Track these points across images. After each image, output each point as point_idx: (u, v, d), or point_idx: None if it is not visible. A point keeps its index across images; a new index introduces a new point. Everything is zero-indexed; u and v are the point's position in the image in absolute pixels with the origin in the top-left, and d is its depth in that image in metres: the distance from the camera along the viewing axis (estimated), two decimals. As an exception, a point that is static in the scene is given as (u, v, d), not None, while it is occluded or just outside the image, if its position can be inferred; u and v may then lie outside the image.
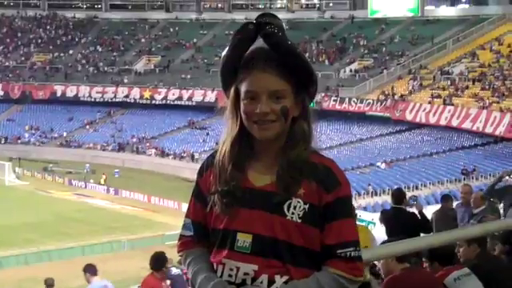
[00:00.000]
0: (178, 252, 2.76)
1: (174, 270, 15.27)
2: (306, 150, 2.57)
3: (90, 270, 12.14)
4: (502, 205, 11.33)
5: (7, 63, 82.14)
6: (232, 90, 2.59)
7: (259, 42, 2.53)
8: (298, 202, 2.52)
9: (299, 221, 2.52)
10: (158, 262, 9.18)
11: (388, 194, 46.33)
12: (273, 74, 2.51)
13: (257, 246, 2.53)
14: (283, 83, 2.52)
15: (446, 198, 12.93)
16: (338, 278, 2.52)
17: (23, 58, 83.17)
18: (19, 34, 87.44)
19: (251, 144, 2.61)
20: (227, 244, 2.57)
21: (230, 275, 2.57)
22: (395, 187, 15.04)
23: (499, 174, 11.91)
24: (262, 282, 2.53)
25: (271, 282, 2.53)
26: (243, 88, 2.54)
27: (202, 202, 2.68)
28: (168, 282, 14.28)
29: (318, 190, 2.53)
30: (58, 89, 76.53)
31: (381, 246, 6.05)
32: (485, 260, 6.63)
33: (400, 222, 10.38)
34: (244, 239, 2.55)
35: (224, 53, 2.59)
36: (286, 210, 2.52)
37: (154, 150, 66.91)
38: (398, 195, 11.20)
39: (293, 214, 2.52)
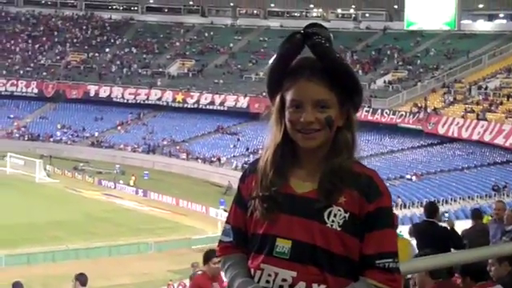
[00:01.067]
0: (218, 257, 2.80)
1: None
2: (348, 159, 2.58)
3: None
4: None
5: (42, 61, 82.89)
6: (278, 98, 2.63)
7: (306, 52, 2.56)
8: (339, 210, 2.53)
9: (339, 229, 2.52)
10: (207, 256, 9.14)
11: (417, 206, 46.14)
12: (318, 83, 2.53)
13: (296, 252, 2.53)
14: (328, 93, 2.54)
15: (477, 215, 12.79)
16: None
17: (58, 57, 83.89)
18: (55, 33, 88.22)
19: (294, 151, 2.62)
20: (266, 249, 2.58)
21: (267, 281, 2.57)
22: (427, 200, 14.86)
23: None
24: None
25: None
26: (288, 96, 2.57)
27: (243, 207, 2.70)
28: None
29: (359, 200, 2.53)
30: (92, 89, 77.04)
31: (415, 260, 5.98)
32: None
33: (432, 235, 10.24)
34: (283, 245, 2.55)
35: (271, 61, 2.63)
36: (326, 217, 2.53)
37: (184, 154, 67.09)
38: (431, 208, 11.06)
39: (333, 221, 2.52)
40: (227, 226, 2.77)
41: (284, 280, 2.54)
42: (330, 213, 2.53)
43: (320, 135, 2.55)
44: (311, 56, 2.55)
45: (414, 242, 11.06)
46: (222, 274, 2.84)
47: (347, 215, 2.52)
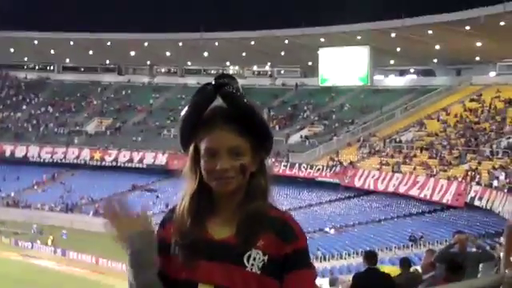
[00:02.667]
0: None
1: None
2: (264, 204, 2.63)
3: None
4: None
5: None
6: (191, 148, 2.65)
7: (218, 102, 2.60)
8: (258, 253, 2.55)
9: (259, 272, 2.54)
10: None
11: (337, 259, 46.69)
12: (232, 131, 2.57)
13: None
14: (242, 140, 2.58)
15: (406, 263, 13.12)
16: None
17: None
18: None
19: (210, 199, 2.65)
20: None
21: None
22: (367, 249, 14.89)
23: (452, 239, 12.07)
24: None
25: None
26: (203, 145, 2.60)
27: (162, 252, 2.65)
28: None
29: (276, 242, 2.56)
30: (7, 148, 75.89)
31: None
32: None
33: (376, 282, 10.50)
34: None
35: (183, 113, 2.65)
36: (245, 261, 2.55)
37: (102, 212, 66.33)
38: (373, 256, 11.28)
39: (252, 265, 2.54)
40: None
41: None
42: (249, 256, 2.55)
43: (234, 181, 2.58)
44: (223, 105, 2.60)
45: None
46: None
47: (266, 258, 2.55)
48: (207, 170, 2.59)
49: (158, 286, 2.57)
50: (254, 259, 2.55)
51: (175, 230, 2.65)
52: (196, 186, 2.65)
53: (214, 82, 2.61)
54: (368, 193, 58.61)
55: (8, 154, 75.77)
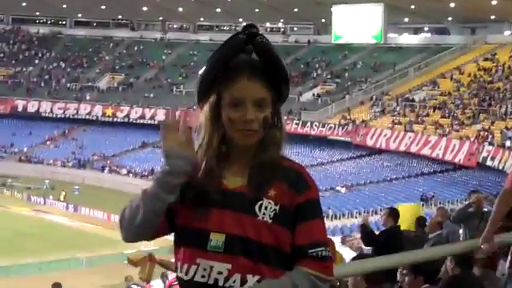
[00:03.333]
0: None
1: (134, 287, 15.39)
2: (277, 154, 2.65)
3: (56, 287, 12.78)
4: (461, 230, 11.40)
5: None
6: (214, 96, 2.65)
7: (247, 52, 2.63)
8: (269, 202, 2.58)
9: (270, 221, 2.57)
10: None
11: (348, 217, 46.77)
12: (259, 82, 2.60)
13: (229, 245, 2.57)
14: (267, 92, 2.62)
15: (420, 221, 12.95)
16: (311, 277, 2.58)
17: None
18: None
19: (227, 148, 2.67)
20: (200, 243, 2.60)
21: (202, 276, 2.59)
22: (388, 207, 14.53)
23: (467, 199, 11.78)
24: (234, 282, 2.56)
25: (243, 281, 2.57)
26: (228, 94, 2.60)
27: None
28: (129, 297, 14.42)
29: (288, 192, 2.59)
30: (20, 104, 75.93)
31: (346, 264, 6.14)
32: None
33: (400, 240, 10.35)
34: (217, 239, 2.58)
35: (208, 61, 2.66)
36: (257, 210, 2.58)
37: (114, 168, 66.66)
38: (398, 214, 10.93)
39: (264, 214, 2.57)
40: None
41: (219, 273, 2.57)
42: (260, 206, 2.58)
43: (256, 134, 2.61)
44: (251, 56, 2.62)
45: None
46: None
47: (277, 207, 2.58)
48: (232, 119, 2.60)
49: (157, 220, 2.60)
50: (266, 208, 2.58)
51: (189, 178, 2.61)
52: (216, 136, 2.66)
53: (246, 31, 2.61)
54: (380, 152, 58.60)
55: (20, 109, 75.87)
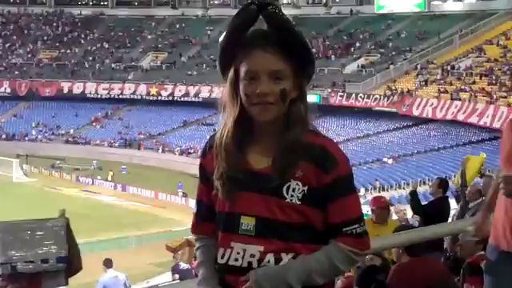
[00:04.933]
0: (191, 232, 2.85)
1: (183, 265, 15.38)
2: (302, 131, 2.58)
3: (107, 263, 13.35)
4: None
5: (14, 60, 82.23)
6: (231, 71, 2.62)
7: (259, 24, 2.56)
8: (297, 184, 2.55)
9: (299, 203, 2.55)
10: None
11: (395, 189, 46.45)
12: (273, 54, 2.54)
13: (260, 228, 2.57)
14: (283, 64, 2.54)
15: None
16: (346, 251, 2.58)
17: (30, 55, 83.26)
18: (26, 32, 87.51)
19: (251, 127, 2.62)
20: (232, 227, 2.61)
21: (236, 259, 2.61)
22: (437, 177, 14.34)
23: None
24: (268, 262, 2.56)
25: (278, 260, 2.57)
26: (243, 68, 2.56)
27: (207, 183, 2.72)
28: (177, 275, 14.48)
29: (315, 172, 2.55)
30: (65, 86, 76.60)
31: (389, 236, 6.02)
32: None
33: (448, 211, 10.21)
34: (248, 222, 2.58)
35: (223, 35, 2.61)
36: (285, 192, 2.55)
37: (160, 147, 66.99)
38: (447, 184, 10.84)
39: (292, 196, 2.54)
40: (195, 201, 2.83)
41: (252, 256, 2.57)
42: (288, 188, 2.54)
43: (274, 108, 2.55)
44: (265, 27, 2.56)
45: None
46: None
47: (306, 188, 2.55)
48: (246, 93, 2.56)
49: None
50: (294, 190, 2.55)
51: (216, 158, 2.64)
52: (237, 113, 2.62)
53: (256, 2, 2.55)
54: (426, 121, 58.10)
55: (66, 90, 76.50)
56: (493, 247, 4.02)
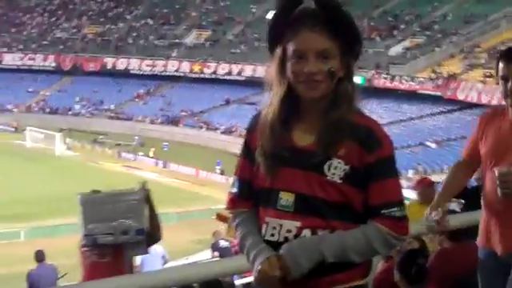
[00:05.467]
0: (226, 209, 2.86)
1: (222, 243, 15.38)
2: (348, 110, 2.59)
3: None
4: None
5: (59, 35, 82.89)
6: (279, 50, 2.65)
7: (306, 3, 2.58)
8: (339, 162, 2.56)
9: (340, 181, 2.57)
10: None
11: (438, 173, 45.93)
12: (321, 33, 2.56)
13: (299, 204, 2.59)
14: (331, 43, 2.56)
15: None
16: (383, 232, 2.59)
17: (75, 30, 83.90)
18: (71, 6, 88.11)
19: (297, 105, 2.64)
20: (271, 202, 2.63)
21: (272, 234, 2.63)
22: None
23: None
24: (305, 236, 2.59)
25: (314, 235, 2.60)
26: (291, 47, 2.59)
27: (250, 159, 2.74)
28: (216, 253, 14.43)
29: (359, 151, 2.56)
30: (109, 61, 77.11)
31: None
32: None
33: None
34: (287, 198, 2.60)
35: (272, 14, 2.64)
36: (326, 170, 2.57)
37: (202, 124, 67.11)
38: None
39: (333, 174, 2.57)
40: (235, 178, 2.82)
41: (289, 231, 2.60)
42: (330, 165, 2.57)
43: (322, 86, 2.56)
44: (312, 5, 2.57)
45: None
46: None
47: (347, 167, 2.56)
48: (294, 72, 2.58)
49: None
50: (336, 168, 2.57)
51: (261, 135, 2.67)
52: (284, 91, 2.64)
53: None
54: (471, 106, 57.31)
55: (110, 66, 77.02)
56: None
